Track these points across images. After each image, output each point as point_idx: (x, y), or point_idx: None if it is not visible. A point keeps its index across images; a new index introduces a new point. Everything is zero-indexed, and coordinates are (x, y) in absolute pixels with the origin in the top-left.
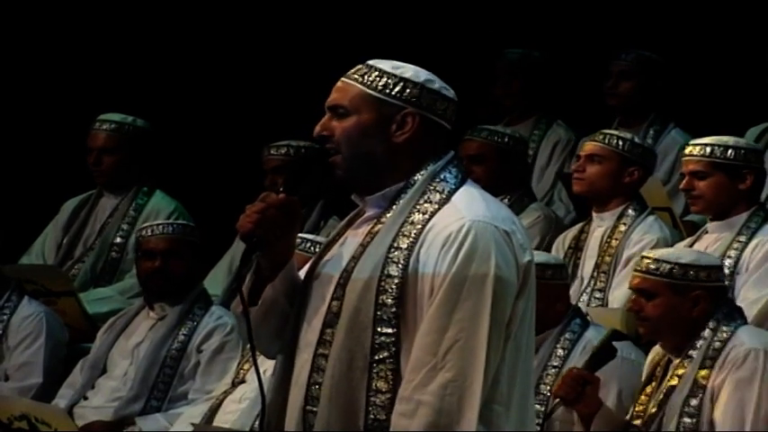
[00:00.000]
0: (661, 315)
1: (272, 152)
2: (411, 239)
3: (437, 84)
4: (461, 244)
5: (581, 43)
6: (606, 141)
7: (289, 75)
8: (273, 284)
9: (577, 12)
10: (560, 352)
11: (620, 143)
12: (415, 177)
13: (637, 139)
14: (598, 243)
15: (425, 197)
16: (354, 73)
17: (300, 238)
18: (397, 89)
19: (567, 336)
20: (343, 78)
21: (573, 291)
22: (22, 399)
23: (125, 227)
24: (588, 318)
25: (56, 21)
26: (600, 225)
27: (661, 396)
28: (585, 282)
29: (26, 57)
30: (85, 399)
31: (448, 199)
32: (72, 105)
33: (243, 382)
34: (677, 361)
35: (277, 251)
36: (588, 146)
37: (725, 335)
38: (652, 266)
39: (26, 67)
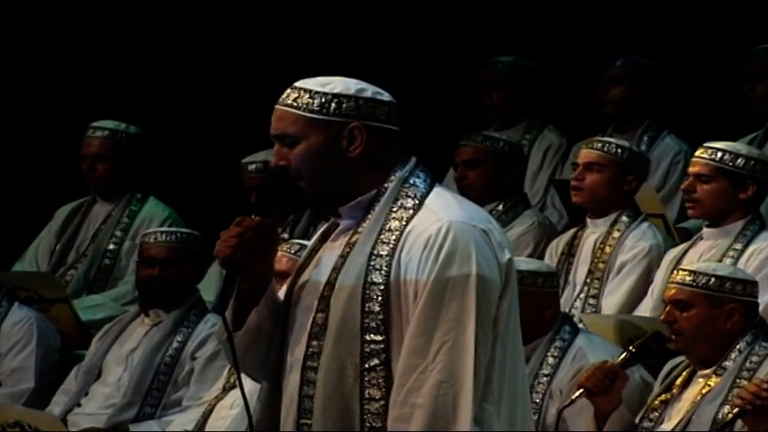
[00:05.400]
0: (695, 327)
1: (249, 169)
2: (391, 246)
3: (369, 91)
4: (441, 245)
5: (574, 49)
6: (605, 150)
7: (281, 81)
8: (258, 309)
9: (571, 18)
10: (551, 360)
11: (620, 151)
12: (386, 185)
13: (634, 147)
14: (591, 249)
15: (399, 203)
16: (287, 98)
17: (297, 243)
18: (333, 106)
19: (557, 344)
20: (277, 106)
21: (565, 297)
22: (16, 406)
23: (118, 233)
24: (581, 324)
25: (50, 27)
26: (594, 231)
27: (686, 404)
28: (578, 288)
29: (20, 63)
30: (79, 406)
31: (421, 203)
32: (66, 111)
33: (234, 387)
34: (707, 371)
35: (257, 274)
36: (586, 154)
37: (765, 350)
38: (689, 278)
39: (20, 73)
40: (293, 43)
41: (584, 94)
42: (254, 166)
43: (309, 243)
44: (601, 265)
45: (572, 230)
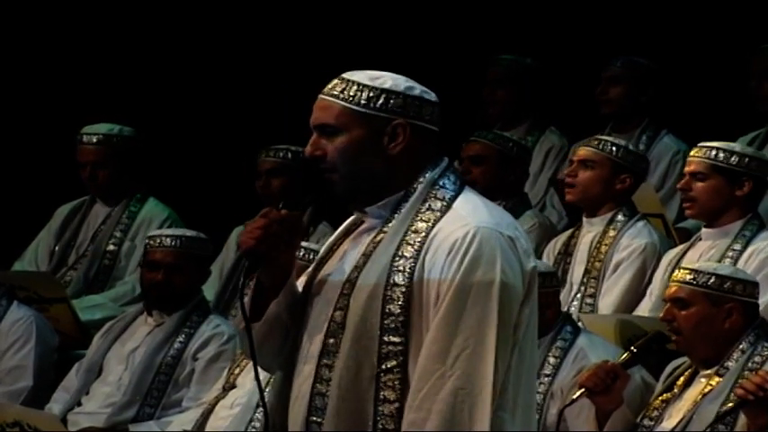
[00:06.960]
0: (694, 325)
1: (269, 155)
2: (415, 247)
3: (418, 89)
4: (467, 250)
5: (574, 50)
6: (600, 147)
7: (280, 80)
8: (278, 300)
9: (571, 18)
10: (552, 360)
11: (614, 149)
12: (414, 186)
13: (631, 146)
14: (587, 249)
15: (426, 205)
16: (333, 89)
17: None
18: (380, 101)
19: (558, 344)
20: (322, 96)
21: (562, 296)
22: (15, 405)
23: (118, 234)
24: (580, 324)
25: (48, 25)
26: (590, 230)
27: (687, 404)
28: (575, 288)
29: (18, 61)
30: (79, 404)
31: (449, 206)
32: (65, 110)
33: (234, 387)
34: (709, 371)
35: (279, 266)
36: (582, 151)
37: (767, 350)
38: (689, 276)
39: (18, 71)
40: (293, 44)
41: (584, 95)
42: (272, 152)
43: (331, 237)
44: (597, 265)
45: (569, 230)
